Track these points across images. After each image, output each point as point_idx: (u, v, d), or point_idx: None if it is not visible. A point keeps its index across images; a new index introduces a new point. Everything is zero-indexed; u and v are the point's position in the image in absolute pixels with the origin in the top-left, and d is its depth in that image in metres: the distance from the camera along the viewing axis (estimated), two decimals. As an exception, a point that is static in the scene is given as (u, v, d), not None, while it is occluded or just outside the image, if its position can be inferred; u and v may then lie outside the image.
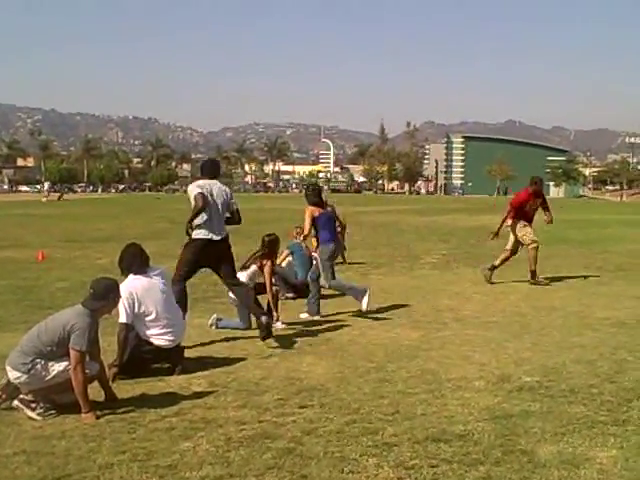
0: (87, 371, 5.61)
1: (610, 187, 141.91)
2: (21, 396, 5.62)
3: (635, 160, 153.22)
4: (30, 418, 5.48)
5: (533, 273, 12.91)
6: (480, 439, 4.93)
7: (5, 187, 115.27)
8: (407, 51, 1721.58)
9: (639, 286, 12.44)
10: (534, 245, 12.81)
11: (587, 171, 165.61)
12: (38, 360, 5.60)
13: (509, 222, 12.96)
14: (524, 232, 12.83)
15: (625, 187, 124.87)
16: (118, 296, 6.06)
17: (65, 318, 5.70)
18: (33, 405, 5.56)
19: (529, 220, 12.92)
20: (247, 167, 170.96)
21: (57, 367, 5.61)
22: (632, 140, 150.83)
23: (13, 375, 5.63)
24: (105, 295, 5.85)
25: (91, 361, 5.78)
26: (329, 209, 10.64)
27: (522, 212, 12.81)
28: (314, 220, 9.63)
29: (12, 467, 4.49)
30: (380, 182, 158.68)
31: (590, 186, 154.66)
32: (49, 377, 5.61)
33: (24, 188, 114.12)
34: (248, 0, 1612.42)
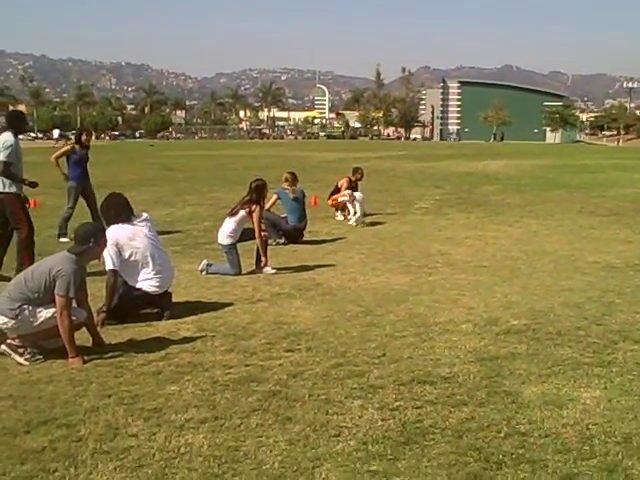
0: (74, 318, 5.61)
1: (607, 132, 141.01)
2: (9, 341, 5.63)
3: (633, 105, 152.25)
4: (18, 363, 5.50)
5: None
6: (465, 381, 4.97)
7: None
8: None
9: (630, 230, 12.46)
10: None
11: (584, 116, 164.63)
12: (25, 306, 5.60)
13: None
14: None
15: (622, 132, 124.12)
16: (101, 241, 5.99)
17: (50, 264, 5.68)
18: (21, 350, 5.57)
19: None
20: (242, 113, 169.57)
21: (45, 313, 5.60)
22: (630, 85, 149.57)
23: (0, 320, 5.63)
24: (86, 239, 5.81)
25: (78, 308, 5.78)
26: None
27: None
28: None
29: (-2, 411, 4.53)
30: (376, 128, 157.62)
31: (587, 131, 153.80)
32: (37, 323, 5.61)
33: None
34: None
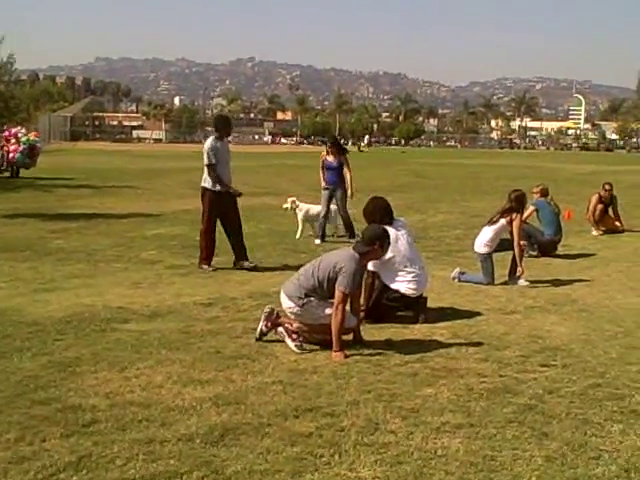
0: (346, 323, 5.93)
1: None
2: (286, 325, 6.11)
3: None
4: (289, 348, 5.94)
5: None
6: None
7: (266, 139, 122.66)
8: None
9: None
10: None
11: None
12: (314, 298, 6.04)
13: None
14: None
15: None
16: (385, 244, 6.31)
17: (335, 258, 6.10)
18: (294, 336, 6.01)
19: None
20: (493, 123, 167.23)
21: (328, 310, 5.99)
22: None
23: (287, 304, 6.13)
24: (371, 241, 6.17)
25: (352, 315, 6.13)
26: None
27: None
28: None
29: (270, 394, 4.92)
30: (635, 140, 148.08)
31: None
32: (319, 317, 6.02)
33: (283, 140, 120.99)
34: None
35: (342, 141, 13.33)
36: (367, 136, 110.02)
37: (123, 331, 6.50)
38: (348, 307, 6.07)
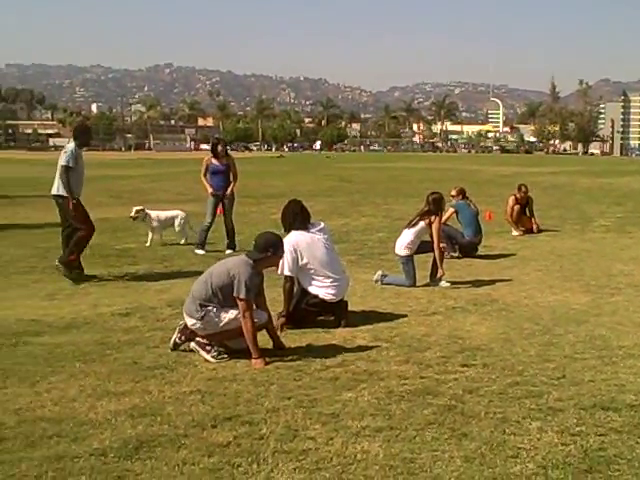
0: (256, 320, 5.86)
1: None
2: (198, 339, 5.96)
3: None
4: (205, 360, 5.81)
5: None
6: (653, 411, 4.71)
7: (188, 145, 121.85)
8: (580, 3, 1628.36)
9: None
10: None
11: None
12: (210, 307, 5.91)
13: None
14: None
15: None
16: (279, 251, 6.23)
17: (229, 266, 5.99)
18: (208, 348, 5.88)
19: None
20: (415, 127, 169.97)
21: (228, 315, 5.89)
22: None
23: (189, 321, 5.98)
24: (265, 248, 6.07)
25: (260, 310, 6.03)
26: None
27: None
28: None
29: (188, 404, 4.79)
30: (551, 142, 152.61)
31: None
32: (221, 324, 5.90)
33: (204, 147, 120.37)
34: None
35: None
36: (318, 142, 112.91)
37: (35, 344, 6.26)
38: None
